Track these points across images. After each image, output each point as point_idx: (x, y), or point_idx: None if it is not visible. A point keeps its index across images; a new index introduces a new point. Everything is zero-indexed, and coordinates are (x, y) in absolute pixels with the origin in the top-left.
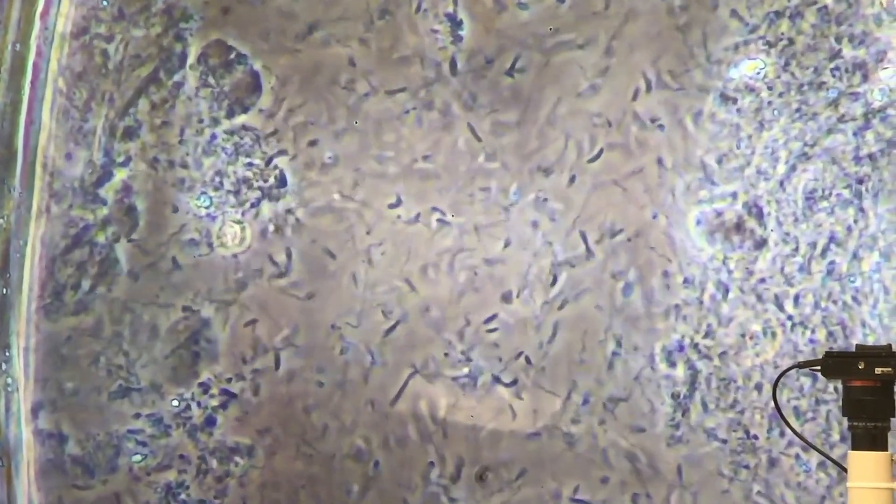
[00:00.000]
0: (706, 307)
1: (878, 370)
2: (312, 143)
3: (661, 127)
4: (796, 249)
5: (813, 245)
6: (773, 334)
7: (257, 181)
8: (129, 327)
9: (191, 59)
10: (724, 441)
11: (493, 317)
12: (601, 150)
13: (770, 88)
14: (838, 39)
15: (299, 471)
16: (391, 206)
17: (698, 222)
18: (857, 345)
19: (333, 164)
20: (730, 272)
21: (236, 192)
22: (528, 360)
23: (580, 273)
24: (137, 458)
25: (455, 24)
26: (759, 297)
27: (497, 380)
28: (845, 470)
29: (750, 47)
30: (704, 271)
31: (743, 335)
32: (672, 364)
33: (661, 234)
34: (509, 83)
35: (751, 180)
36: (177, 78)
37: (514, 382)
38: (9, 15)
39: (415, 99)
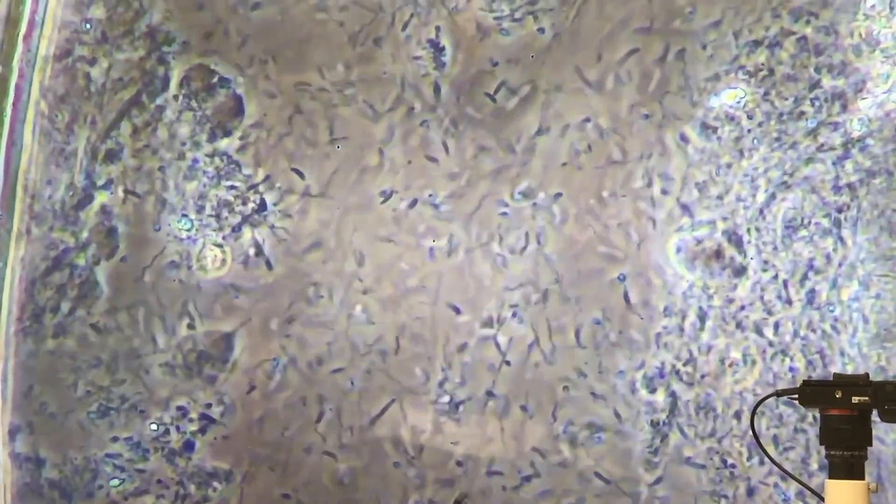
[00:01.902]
0: (686, 334)
1: (854, 399)
2: (294, 167)
3: (641, 154)
4: (775, 277)
5: (792, 273)
6: (753, 362)
7: (238, 205)
8: (108, 351)
9: (173, 84)
10: (703, 467)
11: (475, 342)
12: (582, 177)
13: (750, 117)
14: (818, 69)
15: (277, 496)
16: (372, 230)
17: (678, 250)
18: (834, 374)
19: (315, 188)
20: (710, 299)
21: (217, 216)
22: (508, 386)
23: (561, 299)
24: (115, 482)
25: (438, 50)
26: (739, 325)
27: (477, 405)
28: (822, 499)
29: (730, 76)
30: (685, 299)
31: (722, 362)
32: (652, 391)
33: (642, 262)
34: (491, 109)
35: (730, 208)
36: (159, 101)
37: (495, 408)
38: None
39: (397, 124)
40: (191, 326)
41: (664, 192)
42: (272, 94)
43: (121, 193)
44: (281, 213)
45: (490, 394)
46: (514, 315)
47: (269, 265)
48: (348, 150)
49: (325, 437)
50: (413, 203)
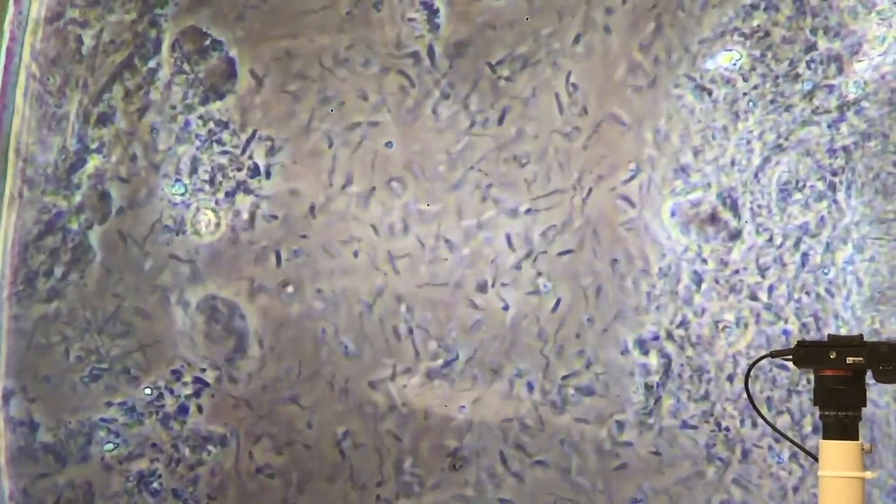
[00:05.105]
0: (680, 297)
1: (849, 360)
2: (288, 131)
3: (636, 117)
4: (770, 241)
5: (787, 236)
6: (746, 325)
7: (232, 169)
8: (102, 315)
9: (165, 46)
10: (696, 427)
11: (469, 306)
12: (577, 140)
13: (745, 80)
14: (814, 31)
15: (272, 460)
16: (366, 194)
17: (673, 213)
18: (828, 334)
19: (309, 152)
20: (704, 263)
21: (211, 180)
22: (502, 349)
23: (555, 263)
24: (109, 446)
25: (432, 12)
26: (733, 288)
27: (471, 368)
28: (816, 459)
29: (726, 38)
30: (679, 262)
31: (716, 325)
32: (645, 353)
33: (637, 225)
34: (486, 72)
35: (725, 171)
36: (151, 64)
37: (488, 371)
38: None
39: (391, 87)
40: (184, 290)
41: (659, 154)
42: (265, 57)
43: (113, 157)
44: (274, 175)
45: (484, 356)
46: (506, 279)
47: (261, 229)
48: (342, 114)
49: (319, 401)
50: (407, 166)
